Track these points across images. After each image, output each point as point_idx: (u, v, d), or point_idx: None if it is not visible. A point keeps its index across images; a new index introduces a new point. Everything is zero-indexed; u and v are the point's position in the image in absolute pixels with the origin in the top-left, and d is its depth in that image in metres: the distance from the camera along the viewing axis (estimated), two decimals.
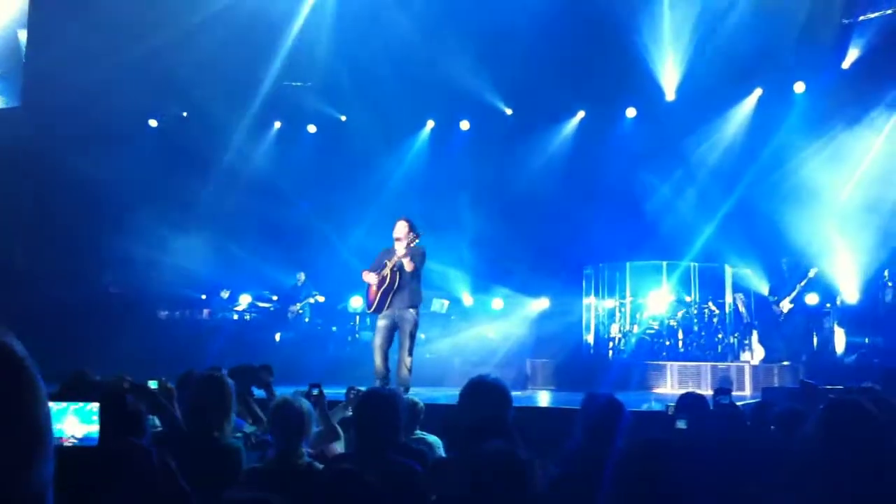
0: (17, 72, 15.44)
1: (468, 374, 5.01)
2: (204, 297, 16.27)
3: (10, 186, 14.68)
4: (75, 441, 1.34)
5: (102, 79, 14.81)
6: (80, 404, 1.36)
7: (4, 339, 0.83)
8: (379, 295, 8.97)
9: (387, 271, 8.93)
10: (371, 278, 9.05)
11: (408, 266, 8.85)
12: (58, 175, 14.70)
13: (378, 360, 8.92)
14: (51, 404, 1.26)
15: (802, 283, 13.35)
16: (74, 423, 1.38)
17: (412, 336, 8.98)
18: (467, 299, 16.23)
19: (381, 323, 9.03)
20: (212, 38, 14.25)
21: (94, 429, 1.33)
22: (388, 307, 8.97)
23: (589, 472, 3.72)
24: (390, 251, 9.09)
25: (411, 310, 9.00)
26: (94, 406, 1.34)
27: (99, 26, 14.08)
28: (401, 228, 9.01)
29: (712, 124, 15.30)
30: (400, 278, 8.93)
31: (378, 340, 8.99)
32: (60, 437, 1.35)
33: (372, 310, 9.12)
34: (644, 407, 8.60)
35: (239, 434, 5.11)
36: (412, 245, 8.87)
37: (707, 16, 14.14)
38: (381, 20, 14.52)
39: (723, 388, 5.88)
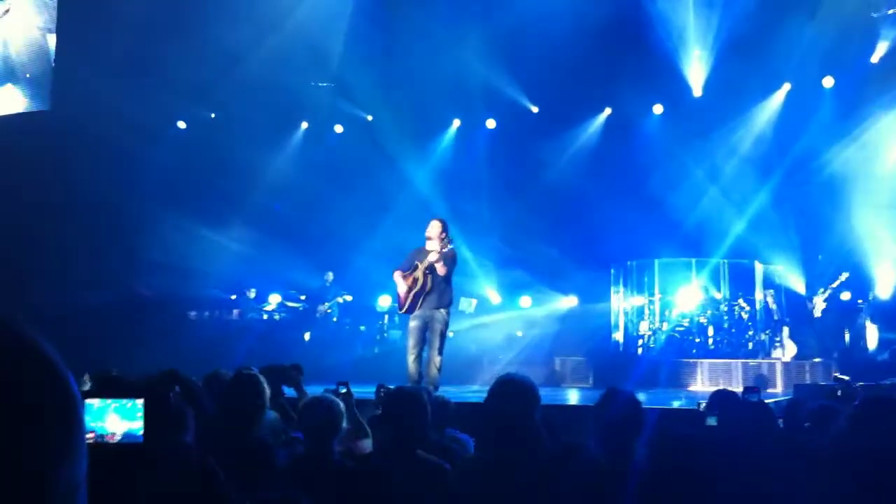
0: (47, 75, 15.60)
1: (497, 373, 5.01)
2: (234, 297, 16.37)
3: (40, 189, 14.83)
4: (119, 438, 1.35)
5: (130, 82, 14.96)
6: (123, 401, 1.38)
7: (32, 338, 0.84)
8: (411, 297, 8.95)
9: (419, 273, 8.90)
10: (400, 281, 9.04)
11: (440, 270, 8.84)
12: (87, 177, 14.85)
13: (411, 363, 8.90)
14: (94, 401, 1.28)
15: (834, 285, 13.20)
16: (116, 420, 1.39)
17: (443, 336, 8.98)
18: (494, 297, 16.23)
19: (413, 324, 9.02)
20: (238, 39, 14.33)
21: (136, 426, 1.34)
22: (419, 308, 8.97)
23: (612, 470, 3.72)
24: (421, 250, 9.08)
25: (442, 310, 8.99)
26: (139, 402, 1.35)
27: (127, 29, 14.21)
28: (434, 228, 9.00)
29: (740, 120, 15.19)
30: (431, 280, 8.93)
31: (411, 342, 8.98)
32: (104, 435, 1.36)
33: (403, 310, 9.12)
34: (675, 404, 8.57)
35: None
36: (445, 249, 8.87)
37: (734, 10, 14.03)
38: (406, 19, 14.54)
39: (751, 387, 5.83)
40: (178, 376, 4.69)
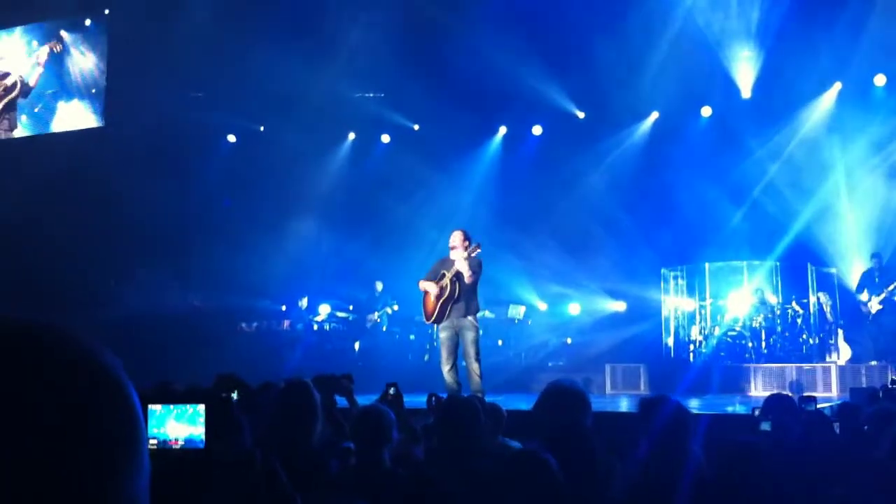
0: (101, 92, 15.92)
1: (547, 380, 5.00)
2: (284, 308, 16.50)
3: (95, 203, 15.12)
4: (182, 444, 1.38)
5: (181, 97, 15.21)
6: (185, 407, 1.41)
7: (93, 347, 0.85)
8: (438, 306, 8.94)
9: (445, 282, 8.87)
10: (429, 288, 9.03)
11: (468, 277, 8.81)
12: (140, 191, 15.10)
13: (447, 373, 8.88)
14: (156, 407, 1.31)
15: (893, 286, 12.90)
16: (177, 426, 1.42)
17: (476, 343, 8.95)
18: (541, 305, 16.20)
19: (444, 335, 9.01)
20: (286, 51, 14.49)
21: (198, 431, 1.36)
22: (447, 317, 8.96)
23: (664, 476, 3.69)
24: (446, 261, 9.08)
25: (470, 318, 8.96)
26: (201, 408, 1.37)
27: (176, 45, 14.45)
28: (456, 237, 9.00)
29: (791, 121, 14.97)
30: (459, 288, 8.91)
31: (444, 353, 8.96)
32: (167, 441, 1.38)
33: (431, 320, 9.09)
34: (728, 409, 8.47)
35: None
36: (472, 256, 8.86)
37: (781, 9, 13.85)
38: (451, 27, 14.57)
39: (808, 396, 5.75)
40: (236, 380, 4.75)
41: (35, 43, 14.99)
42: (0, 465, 0.74)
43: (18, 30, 15.61)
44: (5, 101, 14.51)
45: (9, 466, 0.74)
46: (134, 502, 0.83)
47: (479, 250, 8.90)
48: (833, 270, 13.85)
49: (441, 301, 8.89)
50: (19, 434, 0.75)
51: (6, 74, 14.61)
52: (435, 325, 9.23)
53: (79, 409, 0.79)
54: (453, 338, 8.95)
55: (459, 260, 8.78)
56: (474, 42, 14.34)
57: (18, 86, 14.53)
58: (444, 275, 8.91)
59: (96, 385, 0.82)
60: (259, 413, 4.79)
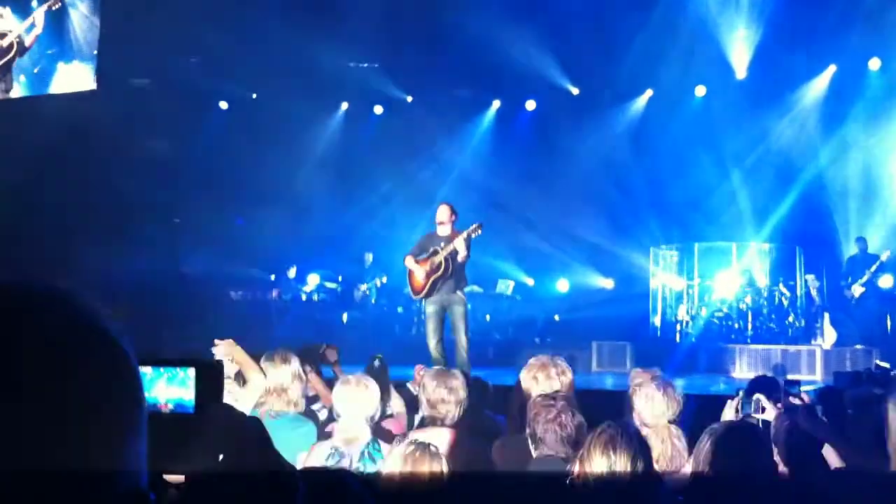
0: (93, 56, 15.78)
1: (533, 356, 5.02)
2: (273, 277, 16.48)
3: (83, 167, 15.02)
4: (171, 408, 1.37)
5: (174, 62, 15.09)
6: (175, 370, 1.40)
7: (95, 310, 0.85)
8: (430, 281, 8.98)
9: (440, 258, 8.88)
10: (417, 265, 9.05)
11: (464, 254, 8.85)
12: (129, 156, 15.03)
13: (436, 346, 8.96)
14: (146, 370, 1.30)
15: (874, 267, 12.96)
16: (167, 388, 1.41)
17: (465, 317, 9.02)
18: (529, 281, 16.24)
19: (431, 309, 9.06)
20: (280, 21, 14.39)
21: (188, 395, 1.36)
22: (436, 293, 9.01)
23: None
24: (433, 237, 9.12)
25: (459, 293, 9.04)
26: (191, 372, 1.37)
27: (168, 11, 14.32)
28: (445, 212, 9.04)
29: (785, 102, 14.98)
30: (452, 265, 8.95)
31: (431, 327, 9.03)
32: (156, 404, 1.38)
33: (421, 295, 9.13)
34: (712, 390, 8.53)
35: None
36: (474, 235, 8.87)
37: None
38: None
39: (792, 381, 5.79)
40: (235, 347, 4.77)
41: (34, 1, 14.80)
42: (5, 425, 0.74)
43: None
44: (2, 62, 14.29)
45: (14, 427, 0.74)
46: (139, 463, 0.85)
47: (479, 232, 8.91)
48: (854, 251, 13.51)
49: (433, 277, 8.92)
50: (22, 395, 0.75)
51: (3, 35, 14.38)
52: (423, 300, 9.25)
53: (82, 370, 0.80)
54: (440, 312, 9.01)
55: (459, 240, 8.77)
56: (469, 15, 14.26)
57: (15, 46, 14.31)
58: (436, 251, 8.91)
59: (99, 347, 0.83)
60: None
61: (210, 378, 1.40)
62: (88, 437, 0.78)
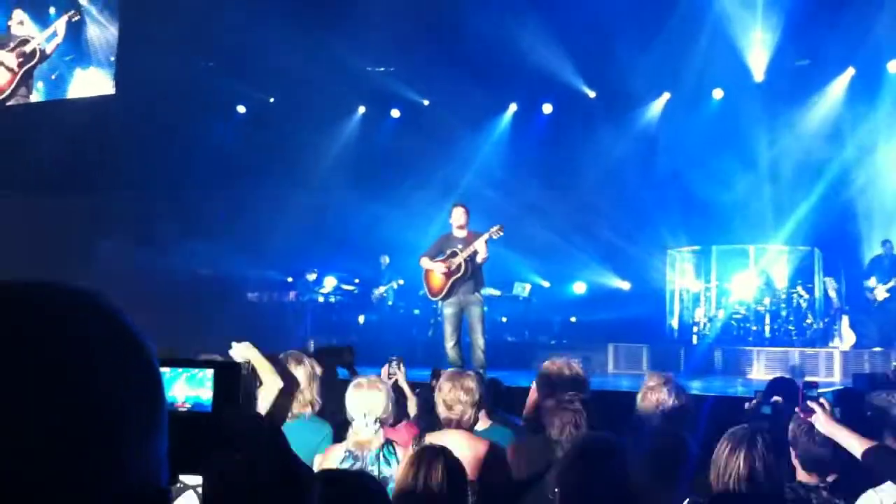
0: (112, 60, 15.89)
1: (547, 358, 5.03)
2: (290, 279, 16.53)
3: (104, 170, 15.14)
4: (189, 407, 1.39)
5: (192, 65, 15.17)
6: (194, 370, 1.42)
7: (116, 310, 0.86)
8: (450, 283, 9.02)
9: (460, 260, 8.93)
10: (436, 266, 9.07)
11: (483, 256, 8.91)
12: (149, 159, 15.13)
13: (451, 349, 8.99)
14: (165, 369, 1.32)
15: None
16: (186, 389, 1.43)
17: (482, 319, 9.07)
18: (545, 283, 16.23)
19: (450, 311, 9.10)
20: (297, 25, 14.44)
21: (206, 395, 1.38)
22: (454, 294, 9.05)
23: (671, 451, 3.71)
24: (450, 238, 9.17)
25: (477, 294, 9.09)
26: (208, 373, 1.39)
27: (187, 13, 14.40)
28: (462, 215, 9.13)
29: (803, 105, 14.89)
30: (472, 267, 8.99)
31: (449, 329, 9.06)
32: (174, 403, 1.40)
33: (440, 297, 9.16)
34: (730, 392, 8.50)
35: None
36: (494, 237, 8.92)
37: None
38: (463, 2, 14.49)
39: (810, 382, 5.75)
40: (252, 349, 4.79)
41: (53, 9, 14.96)
42: (30, 423, 0.75)
43: None
44: (25, 69, 14.51)
45: (39, 425, 0.75)
46: (159, 462, 0.85)
47: (501, 233, 8.95)
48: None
49: (453, 279, 8.97)
50: (48, 395, 0.76)
51: (26, 41, 14.58)
52: (440, 302, 9.28)
53: (107, 368, 0.81)
54: (458, 314, 9.05)
55: (480, 242, 8.85)
56: (486, 18, 14.27)
57: (38, 54, 14.54)
58: (455, 252, 8.95)
59: (123, 345, 0.84)
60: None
61: (228, 379, 1.42)
62: (112, 435, 0.79)
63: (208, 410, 1.50)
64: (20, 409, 0.75)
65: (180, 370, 1.51)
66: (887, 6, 13.19)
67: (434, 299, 9.35)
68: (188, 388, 1.52)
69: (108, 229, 15.72)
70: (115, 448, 0.79)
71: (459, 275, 8.98)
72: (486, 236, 8.88)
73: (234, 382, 1.52)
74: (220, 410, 1.44)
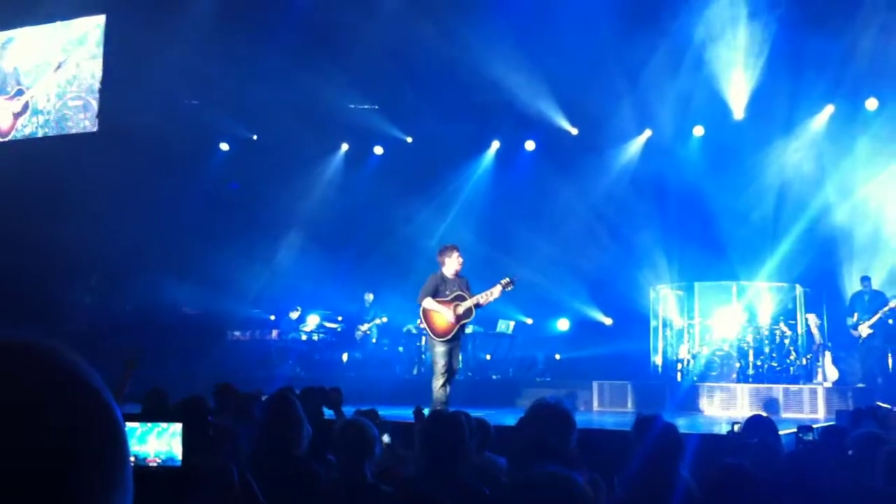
0: (95, 99, 15.94)
1: (534, 396, 5.00)
2: (273, 317, 16.46)
3: (86, 208, 15.09)
4: (160, 462, 1.37)
5: (175, 103, 15.20)
6: (164, 425, 1.40)
7: (77, 365, 0.85)
8: (459, 325, 9.20)
9: (471, 304, 9.13)
10: (445, 310, 9.14)
11: (484, 304, 9.19)
12: (132, 197, 15.10)
13: (440, 388, 9.04)
14: (135, 425, 1.31)
15: (884, 311, 12.90)
16: (157, 443, 1.41)
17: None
18: (528, 320, 16.21)
19: (445, 349, 9.19)
20: (281, 63, 14.52)
21: (176, 449, 1.36)
22: (459, 337, 9.30)
23: (653, 495, 3.69)
24: (445, 279, 9.29)
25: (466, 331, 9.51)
26: (177, 427, 1.37)
27: (172, 53, 14.46)
28: (460, 259, 9.34)
29: (782, 142, 15.02)
30: (472, 312, 9.24)
31: (442, 367, 9.12)
32: (146, 458, 1.38)
33: (447, 338, 9.21)
34: (715, 430, 8.49)
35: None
36: (507, 289, 9.14)
37: (775, 32, 13.91)
38: (445, 40, 14.59)
39: (806, 426, 5.76)
40: (232, 390, 4.76)
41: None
42: None
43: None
44: (16, 121, 15.00)
45: None
46: None
47: (511, 287, 9.16)
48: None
49: (463, 322, 9.22)
50: (4, 454, 0.74)
51: (21, 92, 15.04)
52: (437, 340, 9.25)
53: (66, 428, 0.79)
54: (451, 353, 9.12)
55: (497, 291, 9.09)
56: (469, 56, 14.38)
57: (29, 109, 15.01)
58: (462, 296, 9.15)
59: (82, 403, 0.82)
60: (250, 422, 4.79)
61: (197, 432, 1.40)
62: (74, 493, 0.77)
63: (178, 465, 1.48)
64: None
65: (149, 425, 1.50)
66: (863, 44, 13.39)
67: (439, 339, 9.30)
68: (159, 442, 1.50)
69: (90, 269, 15.64)
70: (71, 497, 0.77)
71: (468, 319, 9.25)
72: (500, 288, 9.09)
73: (204, 434, 1.51)
74: (189, 463, 1.42)
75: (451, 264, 9.28)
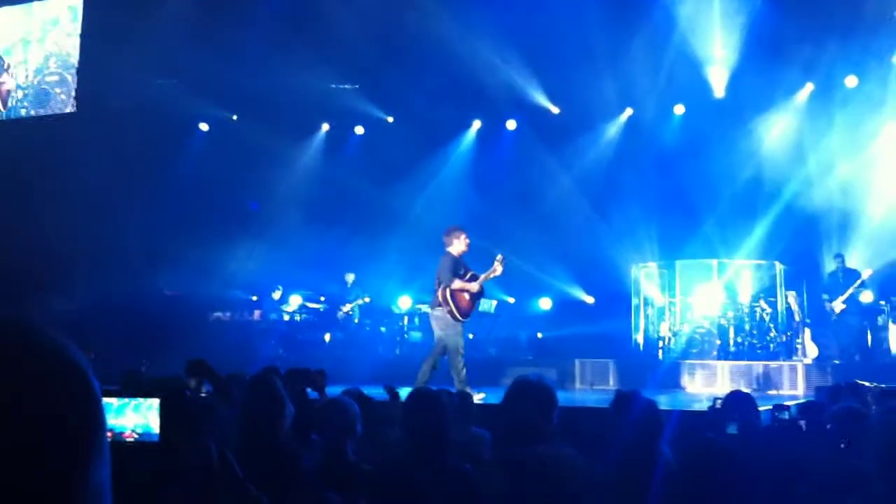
0: (73, 78, 15.79)
1: (517, 374, 5.01)
2: (255, 298, 16.42)
3: (65, 189, 14.97)
4: (136, 437, 1.37)
5: (154, 84, 15.07)
6: (140, 400, 1.40)
7: (55, 338, 0.84)
8: (475, 305, 9.41)
9: (480, 284, 9.28)
10: (471, 286, 9.24)
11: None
12: (111, 178, 14.98)
13: (432, 367, 9.11)
14: (112, 400, 1.30)
15: (856, 285, 13.04)
16: (135, 417, 1.41)
17: None
18: (510, 299, 16.24)
19: (462, 329, 9.32)
20: (261, 41, 14.41)
21: (153, 423, 1.36)
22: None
23: (633, 472, 3.71)
24: (459, 260, 9.37)
25: None
26: (154, 402, 1.37)
27: (150, 32, 14.33)
28: (467, 242, 9.43)
29: (762, 120, 15.08)
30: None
31: (464, 347, 9.29)
32: (122, 433, 1.37)
33: (467, 318, 9.35)
34: (695, 406, 8.54)
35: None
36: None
37: (756, 11, 13.93)
38: (427, 20, 14.53)
39: (781, 405, 5.79)
40: (206, 367, 4.74)
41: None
42: None
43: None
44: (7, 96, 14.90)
45: None
46: (98, 491, 0.83)
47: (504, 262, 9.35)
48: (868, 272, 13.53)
49: (477, 302, 9.44)
50: None
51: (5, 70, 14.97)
52: (460, 321, 9.27)
53: (45, 401, 0.80)
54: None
55: (498, 270, 9.28)
56: (450, 35, 14.32)
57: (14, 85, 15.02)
58: (475, 276, 9.29)
59: (61, 377, 0.82)
60: (232, 403, 4.77)
61: (174, 409, 1.40)
62: (53, 464, 0.77)
63: (156, 440, 1.48)
64: None
65: (127, 400, 1.50)
66: (842, 22, 13.42)
67: (464, 320, 9.31)
68: (136, 416, 1.50)
69: (71, 251, 15.52)
70: (57, 476, 0.77)
71: (480, 298, 9.48)
72: (500, 265, 9.28)
73: (182, 411, 1.50)
74: (167, 440, 1.42)
75: (459, 245, 9.36)
